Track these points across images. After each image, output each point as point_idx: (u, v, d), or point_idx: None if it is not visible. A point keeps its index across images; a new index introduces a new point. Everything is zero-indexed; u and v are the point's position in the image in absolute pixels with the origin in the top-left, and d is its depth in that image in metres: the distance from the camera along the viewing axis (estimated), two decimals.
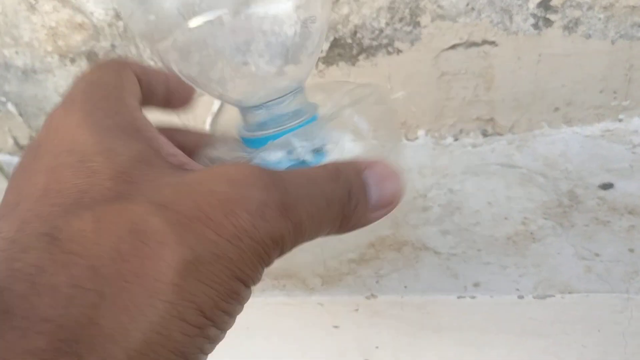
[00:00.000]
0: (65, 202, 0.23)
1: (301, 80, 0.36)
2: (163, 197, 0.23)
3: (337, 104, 0.36)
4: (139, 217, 0.22)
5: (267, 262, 0.25)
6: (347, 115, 0.35)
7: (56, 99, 0.68)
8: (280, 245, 0.24)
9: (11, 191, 0.26)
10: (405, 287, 0.49)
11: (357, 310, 0.50)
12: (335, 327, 0.51)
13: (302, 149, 0.33)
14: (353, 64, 0.46)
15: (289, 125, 0.34)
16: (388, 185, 0.29)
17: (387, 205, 0.29)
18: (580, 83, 0.63)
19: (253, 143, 0.34)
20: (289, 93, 0.35)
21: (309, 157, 0.33)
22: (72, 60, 0.66)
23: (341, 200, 0.27)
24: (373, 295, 0.49)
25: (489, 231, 0.54)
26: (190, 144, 0.35)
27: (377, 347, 0.52)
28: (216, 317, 0.23)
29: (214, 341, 0.23)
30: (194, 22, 0.30)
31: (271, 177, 0.25)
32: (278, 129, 0.34)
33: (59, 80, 0.67)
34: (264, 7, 0.31)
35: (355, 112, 0.35)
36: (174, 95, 0.35)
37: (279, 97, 0.35)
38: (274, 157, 0.32)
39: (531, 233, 0.53)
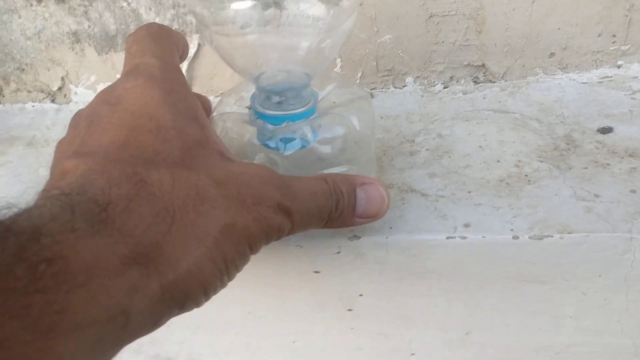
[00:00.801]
0: (143, 156, 0.30)
1: (317, 75, 0.47)
2: (217, 176, 0.31)
3: (328, 100, 0.48)
4: (202, 185, 0.30)
5: (267, 242, 0.33)
6: (337, 111, 0.47)
7: (24, 42, 0.64)
8: (279, 234, 0.34)
9: (89, 132, 0.32)
10: (391, 227, 0.46)
11: (339, 252, 0.46)
12: (316, 272, 0.48)
13: (306, 131, 0.45)
14: (336, 4, 0.43)
15: (298, 110, 0.45)
16: (374, 203, 0.41)
17: (370, 217, 0.41)
18: (577, 26, 0.60)
19: (267, 118, 0.46)
20: (304, 84, 0.46)
21: (309, 137, 0.45)
22: (39, 0, 0.62)
23: (329, 209, 0.37)
24: (356, 237, 0.45)
25: (480, 174, 0.51)
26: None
27: (360, 295, 0.49)
28: (230, 267, 0.31)
29: (222, 285, 0.31)
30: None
31: (287, 185, 0.35)
32: (289, 112, 0.45)
33: (25, 22, 0.63)
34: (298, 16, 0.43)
35: (347, 110, 0.48)
36: (183, 55, 0.44)
37: (296, 87, 0.46)
38: (287, 135, 0.45)
39: (525, 175, 0.50)
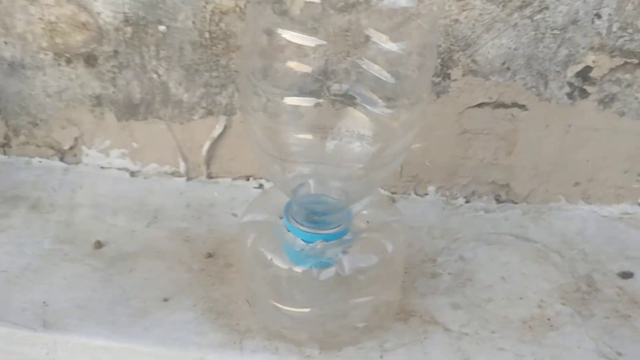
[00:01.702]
0: None
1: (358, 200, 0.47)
2: None
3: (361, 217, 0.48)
4: None
5: None
6: (372, 236, 0.47)
7: (43, 99, 0.62)
8: None
9: None
10: None
11: None
12: None
13: (336, 252, 0.44)
14: (393, 111, 0.43)
15: (331, 230, 0.45)
16: None
17: None
18: (606, 160, 0.60)
19: (300, 234, 0.45)
20: (343, 205, 0.46)
21: (345, 266, 0.44)
22: (68, 61, 0.60)
23: None
24: None
25: (503, 311, 0.50)
26: None
27: None
28: None
29: None
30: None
31: None
32: (323, 232, 0.45)
33: (49, 80, 0.61)
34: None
35: (379, 236, 0.47)
36: None
37: (334, 207, 0.46)
38: (316, 252, 0.44)
39: (548, 319, 0.49)
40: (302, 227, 0.45)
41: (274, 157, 0.44)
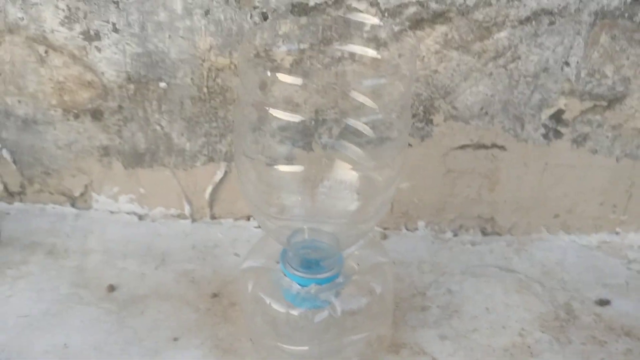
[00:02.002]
0: None
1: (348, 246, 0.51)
2: None
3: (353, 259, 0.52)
4: None
5: None
6: (362, 279, 0.51)
7: (54, 151, 0.67)
8: None
9: None
10: None
11: None
12: None
13: (329, 294, 0.48)
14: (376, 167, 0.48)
15: (325, 274, 0.49)
16: None
17: None
18: (582, 194, 0.64)
19: (295, 279, 0.49)
20: (335, 251, 0.50)
21: (331, 299, 0.48)
22: (76, 116, 0.65)
23: None
24: None
25: (487, 340, 0.54)
26: None
27: None
28: None
29: None
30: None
31: None
32: (317, 276, 0.48)
33: (59, 134, 0.66)
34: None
35: (369, 278, 0.51)
36: None
37: (327, 253, 0.50)
38: (311, 295, 0.48)
39: (528, 347, 0.53)
40: (297, 272, 0.49)
41: (267, 215, 0.48)
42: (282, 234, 0.49)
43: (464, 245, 0.66)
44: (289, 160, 0.47)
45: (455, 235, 0.67)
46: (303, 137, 0.45)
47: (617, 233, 0.66)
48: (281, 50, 0.52)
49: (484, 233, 0.67)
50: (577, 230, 0.66)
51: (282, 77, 0.42)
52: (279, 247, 0.52)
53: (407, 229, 0.68)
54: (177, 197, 0.68)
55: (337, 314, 0.48)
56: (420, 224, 0.67)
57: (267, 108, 0.43)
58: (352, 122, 0.44)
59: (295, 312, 0.48)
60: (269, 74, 0.43)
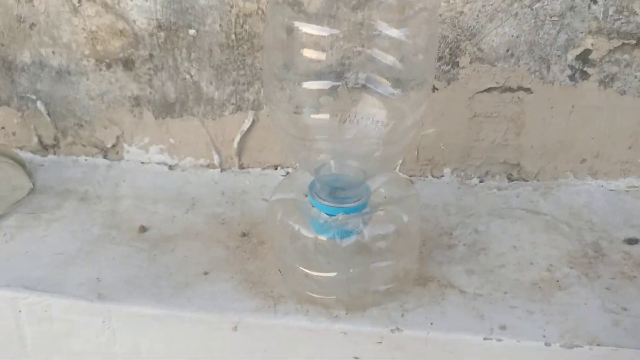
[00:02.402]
0: None
1: (374, 175, 0.52)
2: None
3: (379, 194, 0.53)
4: None
5: None
6: (389, 209, 0.51)
7: (87, 102, 0.68)
8: None
9: None
10: (432, 323, 0.49)
11: (380, 342, 0.49)
12: (356, 358, 0.50)
13: (361, 226, 0.49)
14: (401, 93, 0.48)
15: (352, 204, 0.50)
16: None
17: None
18: (610, 137, 0.64)
19: (323, 208, 0.50)
20: (362, 181, 0.51)
21: (365, 233, 0.49)
22: (108, 66, 0.66)
23: None
24: (398, 329, 0.48)
25: (514, 275, 0.54)
26: None
27: None
28: None
29: None
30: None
31: None
32: (344, 205, 0.49)
33: (92, 84, 0.67)
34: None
35: (395, 208, 0.52)
36: None
37: (353, 183, 0.50)
38: (341, 225, 0.49)
39: (557, 281, 0.53)
40: (325, 202, 0.50)
41: (297, 140, 0.49)
42: (312, 164, 0.50)
43: (490, 190, 0.66)
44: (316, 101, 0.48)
45: (482, 181, 0.67)
46: (331, 74, 0.46)
47: None
48: None
49: (510, 179, 0.67)
50: (605, 175, 0.66)
51: (307, 28, 0.43)
52: (306, 182, 0.52)
53: (433, 176, 0.68)
54: (206, 147, 0.69)
55: (364, 239, 0.49)
56: (446, 170, 0.68)
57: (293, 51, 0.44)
58: (377, 53, 0.45)
59: (323, 238, 0.49)
60: (294, 23, 0.44)
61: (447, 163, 0.67)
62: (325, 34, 0.43)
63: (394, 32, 0.44)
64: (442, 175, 0.68)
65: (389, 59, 0.45)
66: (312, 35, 0.44)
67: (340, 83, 0.46)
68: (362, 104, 0.47)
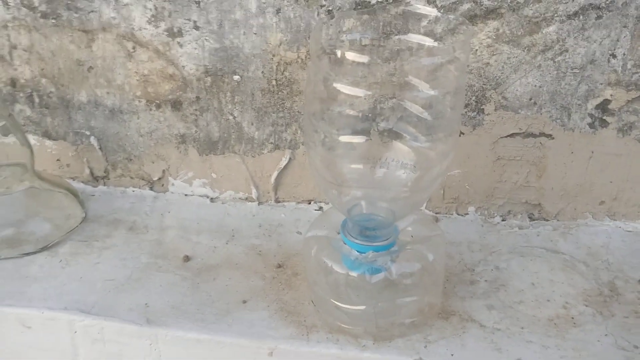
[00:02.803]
0: None
1: (404, 216, 0.56)
2: None
3: (407, 233, 0.57)
4: None
5: None
6: (416, 248, 0.56)
7: (137, 138, 0.74)
8: None
9: None
10: (452, 355, 0.53)
11: None
12: None
13: (390, 264, 0.53)
14: (428, 169, 0.53)
15: (381, 243, 0.54)
16: None
17: None
18: (628, 181, 0.68)
19: (354, 246, 0.54)
20: (391, 222, 0.55)
21: (392, 271, 0.53)
22: (158, 106, 0.72)
23: None
24: (421, 359, 0.52)
25: (531, 311, 0.57)
26: None
27: None
28: None
29: None
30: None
31: None
32: (374, 243, 0.53)
33: (142, 123, 0.73)
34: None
35: (421, 247, 0.56)
36: None
37: (383, 224, 0.55)
38: (370, 262, 0.53)
39: (572, 318, 0.57)
40: (356, 241, 0.54)
41: (331, 184, 0.54)
42: (344, 205, 0.55)
43: (512, 229, 0.70)
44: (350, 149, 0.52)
45: (504, 220, 0.71)
46: (363, 126, 0.50)
47: None
48: (345, 44, 0.58)
49: (532, 218, 0.71)
50: (623, 217, 0.69)
51: (344, 88, 0.48)
52: (339, 220, 0.57)
53: (458, 214, 0.72)
54: (245, 182, 0.75)
55: (392, 276, 0.53)
56: (471, 209, 0.72)
57: (335, 85, 0.49)
58: (409, 104, 0.49)
59: (354, 274, 0.53)
60: (333, 83, 0.49)
61: (471, 202, 0.71)
62: (361, 94, 0.48)
63: (424, 85, 0.49)
64: (467, 214, 0.72)
65: (418, 109, 0.50)
66: (349, 95, 0.48)
67: (371, 137, 0.51)
68: (392, 151, 0.51)
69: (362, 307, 0.54)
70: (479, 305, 0.59)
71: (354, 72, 0.49)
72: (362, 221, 0.55)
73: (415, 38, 0.54)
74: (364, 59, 0.49)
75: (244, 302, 0.60)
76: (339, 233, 0.56)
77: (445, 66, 0.50)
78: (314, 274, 0.57)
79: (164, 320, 0.57)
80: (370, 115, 0.50)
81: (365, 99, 0.49)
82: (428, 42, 0.53)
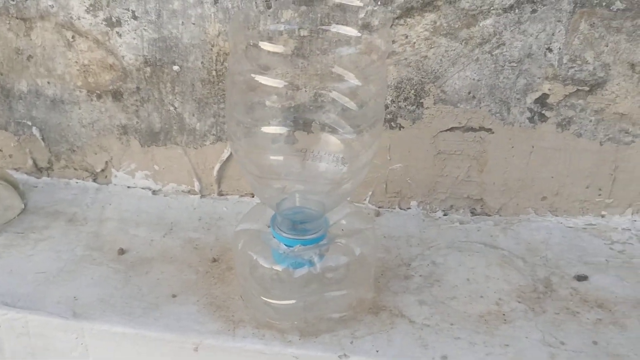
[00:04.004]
0: None
1: (332, 208, 0.55)
2: None
3: (339, 226, 0.57)
4: None
5: None
6: (344, 241, 0.55)
7: (79, 129, 0.73)
8: None
9: None
10: (377, 351, 0.52)
11: None
12: None
13: (314, 258, 0.52)
14: (356, 157, 0.52)
15: (310, 236, 0.53)
16: None
17: None
18: (569, 177, 0.67)
19: (282, 240, 0.53)
20: (320, 215, 0.54)
21: (317, 265, 0.52)
22: (99, 97, 0.71)
23: None
24: (346, 356, 0.52)
25: (463, 307, 0.57)
26: None
27: None
28: None
29: None
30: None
31: None
32: (303, 237, 0.53)
33: (84, 113, 0.72)
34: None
35: (352, 241, 0.55)
36: None
37: (312, 217, 0.54)
38: (297, 255, 0.52)
39: (503, 314, 0.56)
40: (284, 234, 0.54)
41: (256, 177, 0.53)
42: (272, 199, 0.54)
43: (453, 223, 0.69)
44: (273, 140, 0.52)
45: (446, 214, 0.71)
46: (286, 117, 0.50)
47: (602, 216, 0.69)
48: (280, 34, 0.57)
49: (474, 213, 0.70)
50: (565, 213, 0.69)
51: (263, 79, 0.47)
52: (271, 214, 0.56)
53: (400, 208, 0.72)
54: (188, 174, 0.74)
55: (316, 270, 0.52)
56: (413, 203, 0.71)
57: (253, 76, 0.48)
58: (335, 95, 0.49)
59: (278, 268, 0.53)
60: (252, 75, 0.48)
61: (413, 196, 0.71)
62: (281, 85, 0.47)
63: (349, 75, 0.48)
64: (409, 208, 0.71)
65: (344, 99, 0.49)
66: (268, 85, 0.47)
67: (296, 128, 0.50)
68: (319, 142, 0.51)
69: (290, 302, 0.54)
70: (410, 301, 0.58)
71: (275, 63, 0.48)
72: (291, 214, 0.55)
73: (339, 29, 0.54)
74: (285, 49, 0.48)
75: (174, 296, 0.59)
76: (269, 226, 0.56)
77: (368, 55, 0.49)
78: (241, 268, 0.56)
79: (91, 314, 0.57)
80: (293, 106, 0.49)
81: (287, 90, 0.48)
82: (352, 32, 0.53)
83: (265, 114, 0.50)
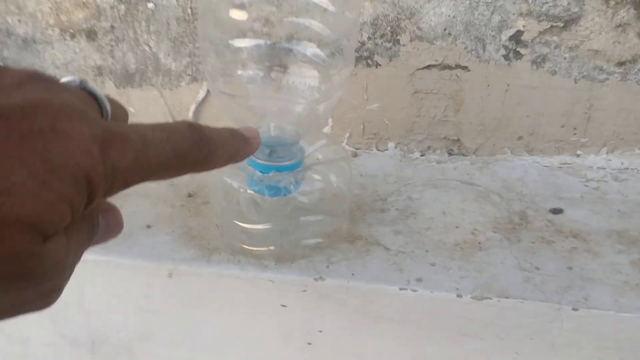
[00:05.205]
0: None
1: (306, 134, 0.55)
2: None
3: (315, 157, 0.56)
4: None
5: None
6: (320, 169, 0.55)
7: (52, 70, 0.72)
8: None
9: None
10: (353, 274, 0.52)
11: (305, 291, 0.52)
12: (283, 305, 0.54)
13: (289, 182, 0.52)
14: (330, 78, 0.51)
15: (286, 162, 0.52)
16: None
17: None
18: (544, 116, 0.68)
19: (257, 166, 0.52)
20: (295, 141, 0.53)
21: (291, 188, 0.52)
22: (72, 36, 0.70)
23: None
24: (322, 278, 0.52)
25: (438, 236, 0.57)
26: None
27: (320, 331, 0.55)
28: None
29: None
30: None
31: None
32: (277, 163, 0.52)
33: (57, 53, 0.71)
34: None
35: (326, 168, 0.55)
36: None
37: (286, 143, 0.53)
38: (273, 183, 0.52)
39: (479, 242, 0.57)
40: (259, 161, 0.53)
41: (230, 97, 0.52)
42: (247, 121, 0.54)
43: (430, 163, 0.70)
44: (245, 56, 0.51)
45: (423, 155, 0.71)
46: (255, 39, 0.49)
47: (578, 155, 0.69)
48: None
49: (451, 154, 0.71)
50: (541, 152, 0.70)
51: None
52: None
53: (377, 149, 0.72)
54: (164, 116, 0.73)
55: (292, 195, 0.52)
56: (390, 144, 0.71)
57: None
58: (311, 22, 0.48)
59: (252, 192, 0.52)
60: None
61: (391, 137, 0.71)
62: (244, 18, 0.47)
63: (324, 3, 0.48)
64: (387, 149, 0.71)
65: (316, 25, 0.49)
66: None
67: (265, 42, 0.50)
68: (292, 65, 0.50)
69: (266, 226, 0.54)
70: (386, 231, 0.58)
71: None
72: (265, 142, 0.54)
73: None
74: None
75: (149, 226, 0.58)
76: None
77: None
78: (217, 195, 0.56)
79: None
80: (266, 31, 0.49)
81: (262, 27, 0.48)
82: None
83: (233, 27, 0.49)
